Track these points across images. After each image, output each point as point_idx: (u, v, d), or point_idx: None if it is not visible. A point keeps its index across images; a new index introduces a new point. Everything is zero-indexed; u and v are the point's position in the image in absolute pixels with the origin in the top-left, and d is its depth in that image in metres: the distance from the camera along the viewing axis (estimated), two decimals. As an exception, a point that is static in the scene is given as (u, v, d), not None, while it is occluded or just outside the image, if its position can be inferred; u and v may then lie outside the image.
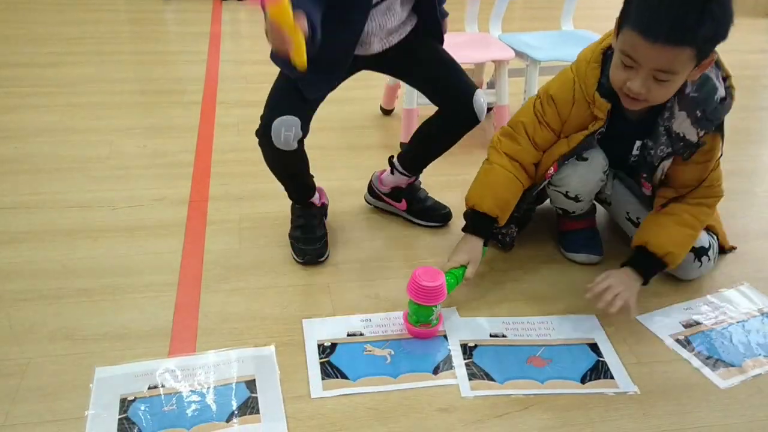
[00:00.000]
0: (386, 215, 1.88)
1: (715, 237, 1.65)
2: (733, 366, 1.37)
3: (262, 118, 1.47)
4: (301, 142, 1.46)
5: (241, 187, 2.00)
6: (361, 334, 1.43)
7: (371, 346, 1.40)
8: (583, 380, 1.33)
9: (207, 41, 3.46)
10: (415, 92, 2.21)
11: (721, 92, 1.39)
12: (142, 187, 1.99)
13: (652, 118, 1.47)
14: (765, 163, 2.39)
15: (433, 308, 1.39)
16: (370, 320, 1.48)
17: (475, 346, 1.41)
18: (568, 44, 2.40)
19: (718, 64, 1.40)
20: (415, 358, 1.37)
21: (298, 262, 1.65)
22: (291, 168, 1.60)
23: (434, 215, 1.84)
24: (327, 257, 1.67)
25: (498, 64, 2.30)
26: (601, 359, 1.38)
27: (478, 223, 1.57)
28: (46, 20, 3.68)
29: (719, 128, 1.42)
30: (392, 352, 1.38)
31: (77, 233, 1.75)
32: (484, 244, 1.57)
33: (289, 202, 1.72)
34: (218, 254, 1.68)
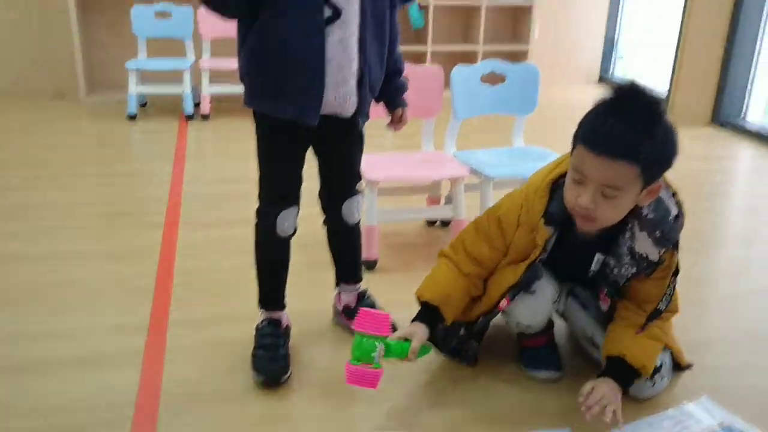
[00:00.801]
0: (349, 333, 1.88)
1: (669, 353, 1.67)
2: None
3: (262, 209, 1.65)
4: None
5: (202, 311, 1.99)
6: None
7: None
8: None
9: (171, 161, 3.52)
10: (376, 208, 2.26)
11: (673, 211, 1.47)
12: (98, 314, 1.96)
13: (610, 235, 1.52)
14: (714, 270, 2.46)
15: (376, 342, 1.44)
16: None
17: None
18: (521, 160, 2.51)
19: (666, 184, 1.49)
20: None
21: (257, 381, 1.63)
22: (282, 256, 1.74)
23: None
24: (289, 376, 1.65)
25: (454, 181, 2.38)
26: None
27: (422, 311, 1.62)
28: (11, 143, 3.72)
29: (675, 245, 1.50)
30: None
31: (27, 368, 1.70)
32: (430, 338, 1.60)
33: (252, 325, 1.72)
34: (177, 384, 1.64)
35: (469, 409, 1.59)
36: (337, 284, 1.92)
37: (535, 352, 1.74)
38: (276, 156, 1.62)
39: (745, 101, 4.50)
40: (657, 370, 1.60)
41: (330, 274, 1.92)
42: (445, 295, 1.62)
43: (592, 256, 1.58)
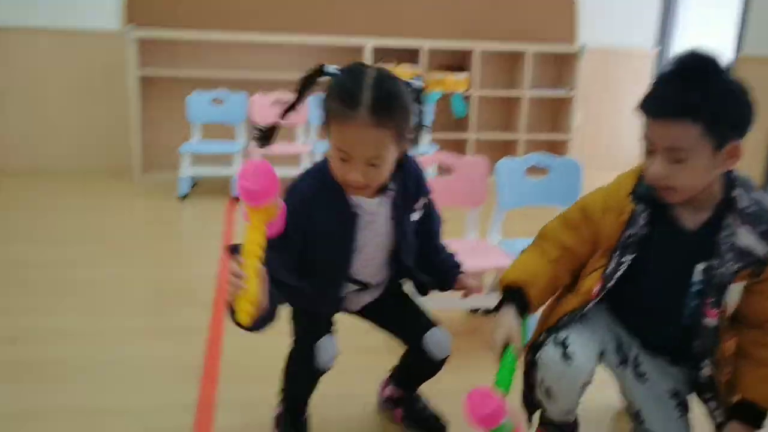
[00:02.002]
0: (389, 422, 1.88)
1: None
2: None
3: (298, 342, 1.62)
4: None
5: (250, 391, 2.02)
6: None
7: None
8: None
9: (220, 240, 3.63)
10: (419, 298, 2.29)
11: None
12: (147, 392, 2.01)
13: (709, 234, 1.40)
14: None
15: (501, 428, 1.27)
16: None
17: None
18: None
19: None
20: None
21: None
22: (315, 385, 1.69)
23: (428, 426, 1.85)
24: None
25: (499, 270, 2.41)
26: None
27: (507, 294, 1.52)
28: (68, 222, 3.89)
29: None
30: None
31: (81, 443, 1.74)
32: (522, 316, 1.48)
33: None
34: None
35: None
36: (392, 382, 1.90)
37: None
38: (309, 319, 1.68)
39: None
40: None
41: (376, 360, 1.93)
42: (531, 275, 1.52)
43: (691, 267, 1.43)
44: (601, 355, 1.55)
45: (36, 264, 3.12)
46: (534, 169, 2.60)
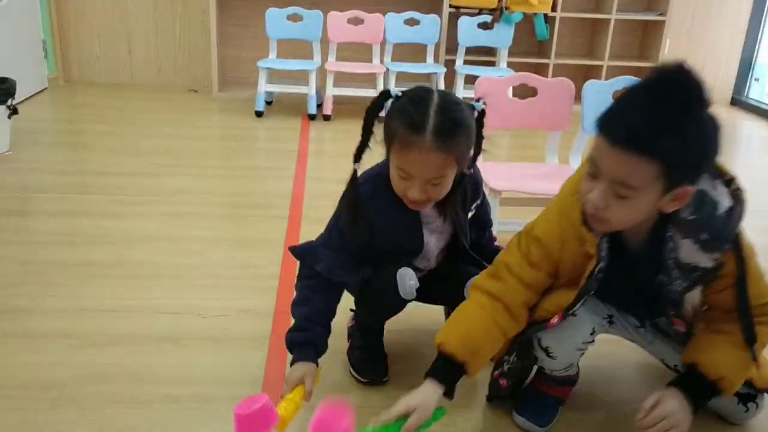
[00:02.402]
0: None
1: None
2: None
3: (378, 271, 1.58)
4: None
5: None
6: None
7: None
8: None
9: (294, 158, 3.66)
10: (498, 218, 2.27)
11: (725, 203, 1.22)
12: (229, 297, 2.08)
13: (654, 249, 1.30)
14: None
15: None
16: None
17: None
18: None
19: (715, 170, 1.24)
20: None
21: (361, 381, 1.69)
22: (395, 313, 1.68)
23: None
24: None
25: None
26: None
27: (441, 365, 1.35)
28: (149, 134, 3.99)
29: (734, 244, 1.25)
30: None
31: (168, 339, 1.83)
32: (446, 395, 1.34)
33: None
34: (300, 370, 1.72)
35: None
36: None
37: (537, 399, 1.58)
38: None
39: None
40: (752, 397, 1.45)
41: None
42: (475, 346, 1.34)
43: (650, 281, 1.35)
44: (610, 323, 1.52)
45: (117, 173, 3.23)
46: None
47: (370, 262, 1.58)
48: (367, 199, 1.54)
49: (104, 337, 1.83)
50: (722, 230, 1.23)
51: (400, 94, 1.44)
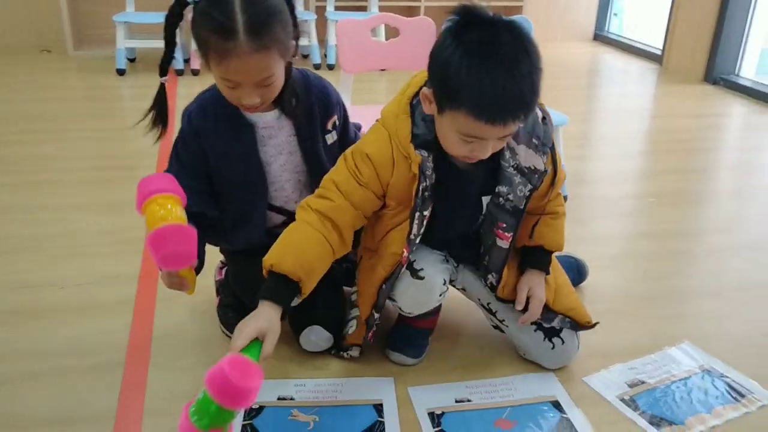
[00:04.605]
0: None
1: (567, 320, 1.54)
2: (676, 424, 1.41)
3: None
4: None
5: (193, 261, 2.00)
6: (292, 399, 1.44)
7: (298, 411, 1.40)
8: (547, 439, 1.35)
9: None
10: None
11: (539, 114, 1.37)
12: (92, 264, 1.98)
13: (488, 162, 1.33)
14: (701, 224, 2.49)
15: (235, 413, 1.12)
16: (304, 385, 1.48)
17: (442, 413, 1.42)
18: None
19: None
20: (340, 427, 1.37)
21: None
22: None
23: None
24: None
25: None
26: (564, 416, 1.42)
27: (276, 286, 1.30)
28: (2, 99, 3.69)
29: (552, 148, 1.40)
30: (317, 419, 1.38)
31: (26, 313, 1.73)
32: (282, 317, 1.29)
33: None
34: (169, 330, 1.67)
35: (449, 359, 1.62)
36: None
37: (404, 331, 1.61)
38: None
39: (739, 57, 4.48)
40: (557, 332, 1.54)
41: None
42: (309, 265, 1.31)
43: (479, 202, 1.43)
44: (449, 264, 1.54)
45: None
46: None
47: (225, 203, 1.52)
48: (195, 118, 1.46)
49: (-49, 318, 1.70)
50: (545, 135, 1.37)
51: None
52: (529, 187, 1.38)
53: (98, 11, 4.73)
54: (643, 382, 1.53)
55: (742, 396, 1.50)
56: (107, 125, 3.39)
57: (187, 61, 4.38)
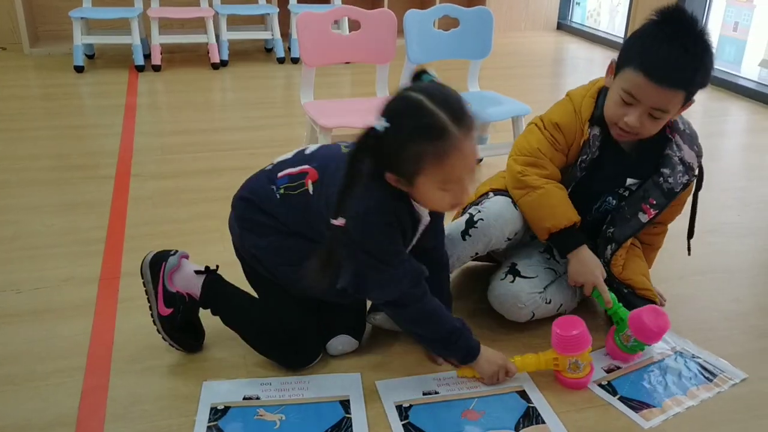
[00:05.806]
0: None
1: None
2: (654, 407, 1.44)
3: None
4: None
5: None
6: (258, 398, 1.42)
7: (264, 411, 1.38)
8: (516, 428, 1.36)
9: (122, 113, 3.42)
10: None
11: (696, 132, 1.66)
12: (49, 267, 1.93)
13: (645, 152, 1.61)
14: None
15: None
16: (270, 384, 1.47)
17: (410, 406, 1.41)
18: (477, 105, 2.49)
19: None
20: (307, 425, 1.35)
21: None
22: None
23: None
24: None
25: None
26: (531, 405, 1.42)
27: (570, 237, 1.60)
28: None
29: (701, 168, 1.65)
30: (283, 417, 1.37)
31: (-21, 320, 1.67)
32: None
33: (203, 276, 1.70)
34: (130, 333, 1.63)
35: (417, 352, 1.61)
36: None
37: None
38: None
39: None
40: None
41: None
42: (572, 210, 1.60)
43: (624, 180, 1.66)
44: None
45: None
46: (446, 22, 2.51)
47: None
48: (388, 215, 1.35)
49: None
50: (700, 148, 1.65)
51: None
52: (686, 177, 1.61)
53: (55, 6, 4.60)
54: (619, 367, 1.56)
55: (714, 375, 1.54)
56: (64, 123, 3.31)
57: (148, 56, 4.29)
